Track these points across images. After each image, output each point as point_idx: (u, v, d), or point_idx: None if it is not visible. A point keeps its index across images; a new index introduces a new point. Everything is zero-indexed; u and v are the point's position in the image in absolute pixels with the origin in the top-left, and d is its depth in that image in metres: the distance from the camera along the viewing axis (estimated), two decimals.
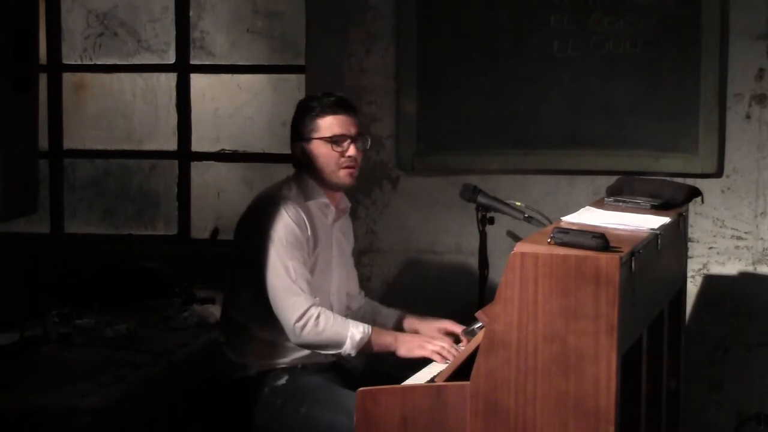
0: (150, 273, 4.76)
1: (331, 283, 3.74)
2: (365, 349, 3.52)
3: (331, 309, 3.70)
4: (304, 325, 3.47)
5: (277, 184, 3.74)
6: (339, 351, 3.51)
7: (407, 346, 3.53)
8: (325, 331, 3.48)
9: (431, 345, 3.51)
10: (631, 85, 4.71)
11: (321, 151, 3.64)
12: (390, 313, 3.87)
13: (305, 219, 3.60)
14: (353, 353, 3.51)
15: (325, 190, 3.69)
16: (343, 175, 3.66)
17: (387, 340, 3.56)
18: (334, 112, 3.66)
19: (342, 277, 3.80)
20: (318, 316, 3.48)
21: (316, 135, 3.65)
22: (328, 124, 3.65)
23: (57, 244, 5.58)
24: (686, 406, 4.28)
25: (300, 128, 3.68)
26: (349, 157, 3.65)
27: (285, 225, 3.55)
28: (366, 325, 3.54)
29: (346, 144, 3.65)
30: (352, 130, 3.67)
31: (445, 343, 3.52)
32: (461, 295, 4.60)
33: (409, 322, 3.82)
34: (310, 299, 3.50)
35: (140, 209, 5.65)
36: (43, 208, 5.39)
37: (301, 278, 3.52)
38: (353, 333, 3.50)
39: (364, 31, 4.91)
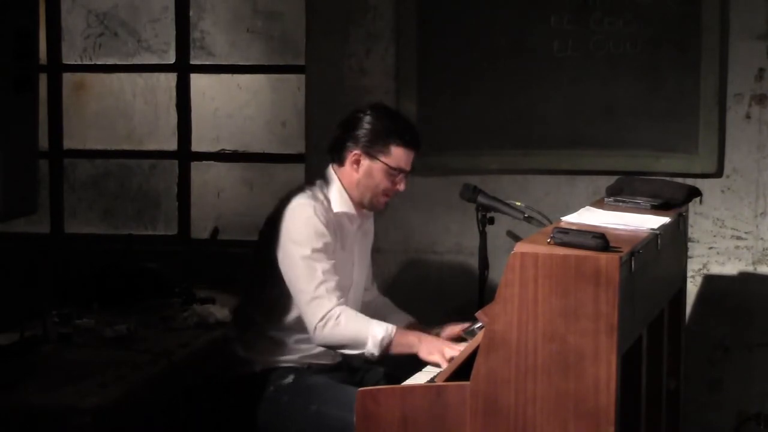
0: (150, 273, 4.76)
1: (351, 285, 3.73)
2: (388, 349, 3.47)
3: None
4: (325, 324, 3.45)
5: (306, 186, 3.70)
6: (361, 351, 3.47)
7: (428, 348, 3.46)
8: (346, 330, 3.45)
9: (451, 352, 3.41)
10: (631, 85, 4.71)
11: (377, 174, 3.61)
12: (400, 318, 3.84)
13: (333, 222, 3.59)
14: (376, 353, 3.45)
15: (355, 203, 3.67)
16: (381, 202, 3.67)
17: (410, 340, 3.49)
18: (409, 147, 3.62)
19: (361, 277, 3.80)
20: (339, 315, 3.45)
21: (383, 158, 3.60)
22: (399, 156, 3.60)
23: (57, 244, 5.58)
24: (686, 406, 4.28)
25: (367, 139, 3.60)
26: (397, 190, 3.65)
27: (314, 228, 3.52)
28: (390, 325, 3.49)
29: (400, 178, 3.64)
30: (409, 168, 3.66)
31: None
32: (461, 295, 4.60)
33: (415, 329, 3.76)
34: (334, 300, 3.47)
35: (140, 209, 5.65)
36: (43, 208, 5.39)
37: (330, 279, 3.49)
38: (376, 332, 3.45)
39: (364, 31, 4.91)
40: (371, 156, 3.61)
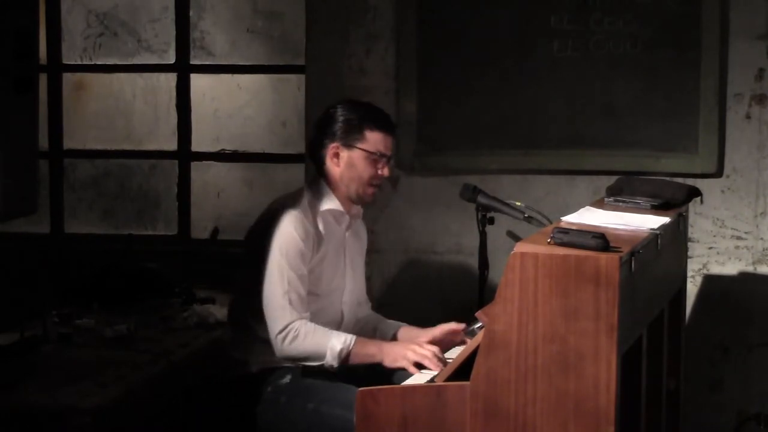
0: (150, 273, 4.76)
1: (344, 291, 3.73)
2: (347, 360, 3.48)
3: (342, 317, 3.72)
4: (284, 338, 3.47)
5: (292, 193, 3.72)
6: (321, 363, 3.49)
7: (391, 357, 3.47)
8: (305, 343, 3.47)
9: (413, 354, 3.42)
10: (631, 85, 4.71)
11: (358, 162, 3.63)
12: (391, 325, 3.82)
13: (313, 230, 3.59)
14: (335, 364, 3.47)
15: (342, 199, 3.68)
16: (369, 192, 3.68)
17: (371, 350, 3.50)
18: (384, 130, 3.65)
19: (356, 284, 3.80)
20: (298, 329, 3.47)
21: (360, 145, 3.62)
22: (376, 140, 3.63)
23: (57, 244, 5.58)
24: (686, 406, 4.28)
25: (341, 131, 3.63)
26: (381, 176, 3.67)
27: (289, 236, 3.53)
28: (350, 336, 3.50)
29: (383, 164, 3.66)
30: (390, 152, 3.69)
31: (428, 352, 3.42)
32: (461, 295, 4.60)
33: (405, 331, 3.76)
34: (295, 314, 3.49)
35: (140, 209, 5.65)
36: (43, 208, 5.39)
37: (293, 291, 3.50)
38: (333, 344, 3.46)
39: (364, 31, 4.91)
40: (348, 146, 3.63)
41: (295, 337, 3.46)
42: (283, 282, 3.50)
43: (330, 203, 3.66)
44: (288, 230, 3.54)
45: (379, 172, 3.65)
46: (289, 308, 3.48)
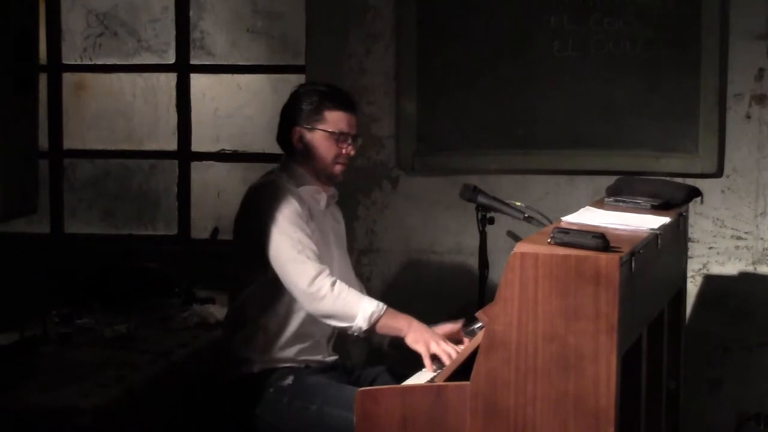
0: (150, 273, 4.76)
1: (333, 268, 3.73)
2: (374, 327, 3.45)
3: None
4: (320, 289, 3.44)
5: (265, 175, 3.75)
6: (349, 324, 3.46)
7: (414, 337, 3.44)
8: (339, 297, 3.44)
9: (436, 346, 3.40)
10: (631, 85, 4.71)
11: (322, 143, 3.67)
12: None
13: (301, 200, 3.62)
14: (364, 327, 3.44)
15: (314, 178, 3.71)
16: (337, 170, 3.71)
17: (399, 323, 3.47)
18: (343, 108, 3.70)
19: (343, 263, 3.81)
20: (334, 283, 3.46)
21: (321, 126, 3.67)
22: (336, 119, 3.68)
23: (57, 244, 5.58)
24: (686, 406, 4.28)
25: (302, 114, 3.68)
26: (347, 155, 3.70)
27: (285, 203, 3.55)
28: (382, 303, 3.48)
29: (347, 142, 3.69)
30: (354, 130, 3.73)
31: (452, 350, 3.40)
32: (461, 295, 4.60)
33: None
34: (318, 266, 3.48)
35: (140, 209, 5.65)
36: (43, 208, 5.39)
37: (307, 248, 3.50)
38: (366, 306, 3.44)
39: (364, 31, 4.91)
40: (309, 128, 3.68)
41: (331, 290, 3.45)
42: (294, 243, 3.50)
43: (306, 182, 3.69)
44: (283, 198, 3.57)
45: (344, 151, 3.69)
46: (311, 262, 3.48)
